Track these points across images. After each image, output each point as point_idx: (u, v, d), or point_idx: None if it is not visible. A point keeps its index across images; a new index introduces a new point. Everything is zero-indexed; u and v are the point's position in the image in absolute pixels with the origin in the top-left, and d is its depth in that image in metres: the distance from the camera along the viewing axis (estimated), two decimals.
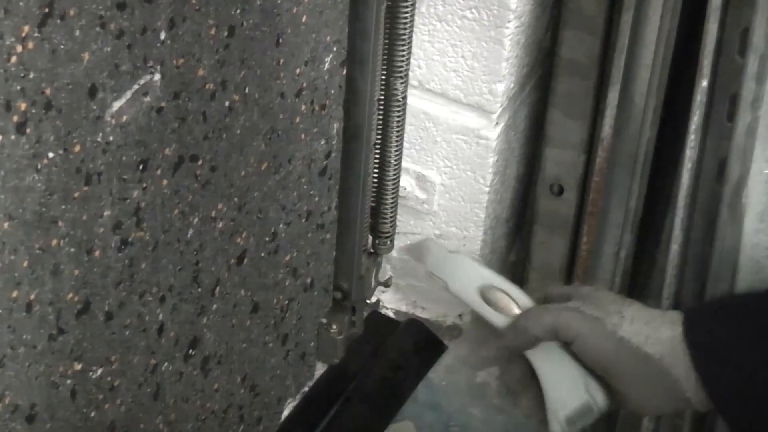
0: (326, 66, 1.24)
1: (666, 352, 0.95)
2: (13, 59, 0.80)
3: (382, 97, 1.40)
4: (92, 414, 1.03)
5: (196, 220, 1.09)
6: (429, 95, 1.47)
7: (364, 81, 1.30)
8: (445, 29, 1.41)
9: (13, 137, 0.83)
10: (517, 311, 1.03)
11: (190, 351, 1.16)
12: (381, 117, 1.44)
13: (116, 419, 1.07)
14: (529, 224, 1.54)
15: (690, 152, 1.39)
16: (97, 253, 0.96)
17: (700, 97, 1.36)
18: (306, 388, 1.46)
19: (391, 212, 1.52)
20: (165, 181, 1.02)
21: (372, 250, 1.55)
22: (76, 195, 0.91)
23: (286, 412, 1.43)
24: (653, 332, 0.96)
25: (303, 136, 1.24)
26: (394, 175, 1.49)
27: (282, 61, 1.15)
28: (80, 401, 1.01)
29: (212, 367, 1.21)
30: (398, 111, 1.44)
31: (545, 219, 1.50)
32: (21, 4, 0.79)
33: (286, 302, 1.33)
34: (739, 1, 1.33)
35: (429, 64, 1.44)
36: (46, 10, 0.82)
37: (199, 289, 1.14)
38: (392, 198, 1.51)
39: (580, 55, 1.39)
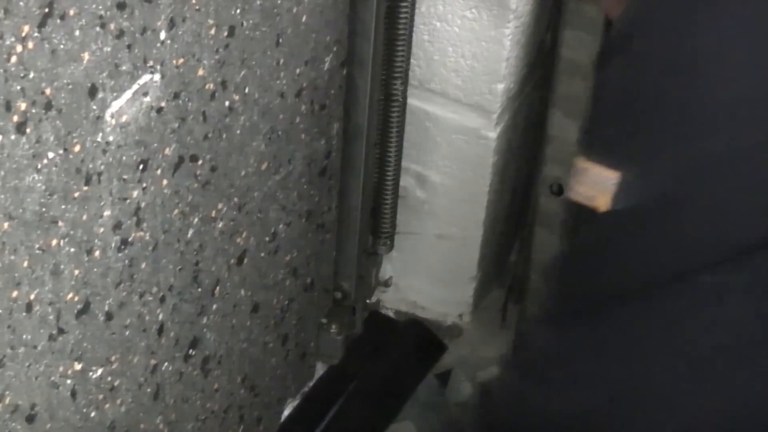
0: (326, 66, 1.24)
1: None
2: (13, 59, 0.80)
3: (382, 97, 1.41)
4: (92, 414, 1.03)
5: (196, 220, 1.09)
6: (429, 95, 1.47)
7: (363, 81, 1.31)
8: (445, 29, 1.41)
9: (13, 137, 0.83)
10: None
11: (191, 351, 1.16)
12: (381, 117, 1.44)
13: (116, 419, 1.07)
14: (529, 224, 1.54)
15: None
16: (97, 253, 0.96)
17: None
18: (306, 388, 1.46)
19: (391, 212, 1.52)
20: (165, 181, 1.02)
21: (372, 250, 1.55)
22: (76, 195, 0.91)
23: (286, 412, 1.43)
24: None
25: (303, 136, 1.24)
26: (394, 174, 1.49)
27: (282, 61, 1.15)
28: (80, 401, 1.01)
29: (212, 367, 1.21)
30: (398, 111, 1.45)
31: (545, 219, 1.50)
32: (21, 4, 0.79)
33: (286, 302, 1.33)
34: None
35: (429, 64, 1.44)
36: (46, 10, 0.82)
37: (199, 289, 1.14)
38: (392, 198, 1.51)
39: (580, 55, 1.39)
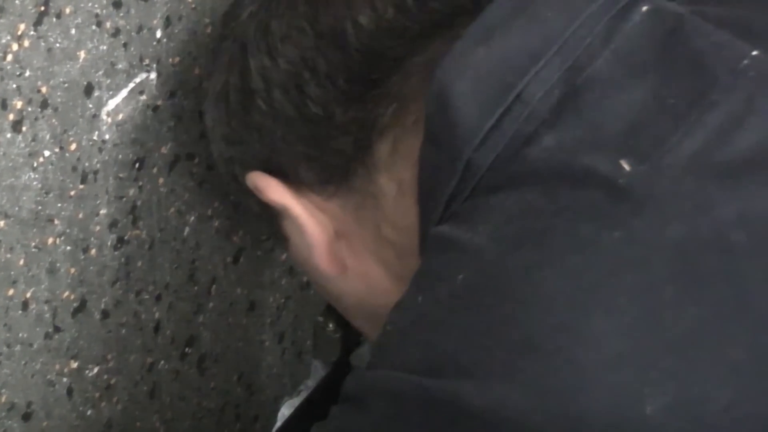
0: None
1: None
2: (9, 57, 0.81)
3: None
4: (89, 412, 1.03)
5: (192, 218, 1.09)
6: None
7: None
8: None
9: (9, 135, 0.83)
10: None
11: (187, 349, 1.16)
12: None
13: (113, 417, 1.07)
14: None
15: None
16: (93, 251, 0.96)
17: None
18: (303, 387, 1.46)
19: None
20: (161, 180, 1.02)
21: None
22: (72, 193, 0.91)
23: (284, 410, 1.43)
24: None
25: None
26: None
27: None
28: (76, 399, 1.01)
29: (208, 365, 1.21)
30: None
31: None
32: (17, 2, 0.79)
33: (282, 300, 1.33)
34: None
35: None
36: (42, 8, 0.82)
37: (196, 288, 1.14)
38: None
39: None
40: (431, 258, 0.76)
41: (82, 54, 0.87)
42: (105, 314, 1.01)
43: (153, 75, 0.96)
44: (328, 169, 0.87)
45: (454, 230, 0.74)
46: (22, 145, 0.84)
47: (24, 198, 0.87)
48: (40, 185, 0.88)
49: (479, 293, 0.70)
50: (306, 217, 0.90)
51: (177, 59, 0.98)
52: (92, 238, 0.96)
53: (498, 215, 0.72)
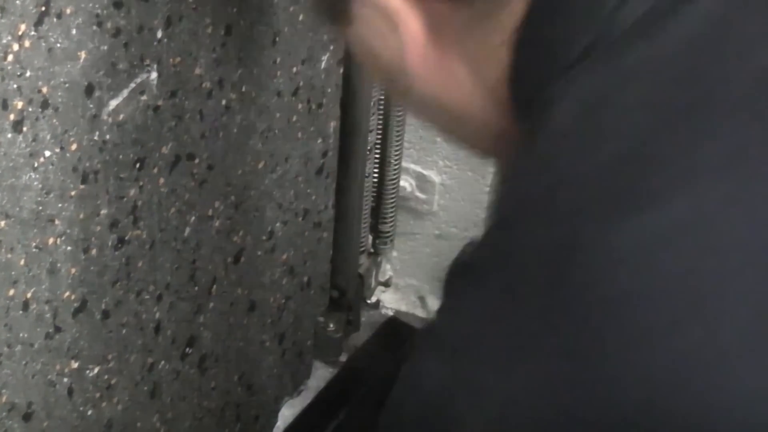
0: (323, 64, 1.24)
1: None
2: (10, 58, 0.81)
3: (382, 97, 1.41)
4: (89, 412, 1.03)
5: (193, 218, 1.09)
6: None
7: (360, 79, 1.31)
8: None
9: (9, 135, 0.83)
10: None
11: (187, 349, 1.16)
12: (381, 117, 1.44)
13: (113, 417, 1.07)
14: None
15: None
16: (94, 251, 0.96)
17: None
18: (306, 389, 1.46)
19: (391, 212, 1.53)
20: (162, 180, 1.02)
21: (372, 250, 1.55)
22: (72, 193, 0.91)
23: (285, 411, 1.43)
24: None
25: (300, 134, 1.24)
26: (394, 174, 1.49)
27: (279, 59, 1.15)
28: (77, 399, 1.01)
29: (209, 365, 1.21)
30: (398, 110, 1.45)
31: None
32: (18, 2, 0.79)
33: (283, 301, 1.33)
34: None
35: None
36: (43, 8, 0.82)
37: (196, 288, 1.14)
38: (392, 198, 1.51)
39: None
40: (564, 104, 0.70)
41: (82, 54, 0.87)
42: (105, 314, 1.01)
43: (154, 75, 0.96)
44: None
45: (595, 81, 0.69)
46: (23, 145, 0.85)
47: (25, 198, 0.87)
48: (40, 185, 0.88)
49: (619, 158, 0.65)
50: (405, 10, 0.80)
51: (178, 59, 0.99)
52: (93, 239, 0.96)
53: (650, 64, 0.67)
